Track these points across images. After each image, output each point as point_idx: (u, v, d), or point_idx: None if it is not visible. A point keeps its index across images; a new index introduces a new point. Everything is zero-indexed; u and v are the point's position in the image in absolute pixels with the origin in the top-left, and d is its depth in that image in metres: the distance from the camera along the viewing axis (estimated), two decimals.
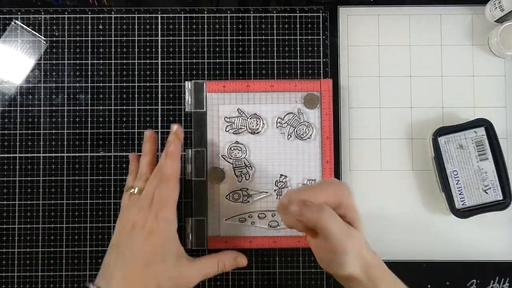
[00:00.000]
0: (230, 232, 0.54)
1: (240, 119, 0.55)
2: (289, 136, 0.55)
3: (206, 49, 0.56)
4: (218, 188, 0.55)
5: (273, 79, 0.56)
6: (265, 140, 0.55)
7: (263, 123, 0.55)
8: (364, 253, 0.43)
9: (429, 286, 0.54)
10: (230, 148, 0.55)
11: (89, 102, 0.56)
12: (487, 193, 0.53)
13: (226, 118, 0.55)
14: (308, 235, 0.45)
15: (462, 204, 0.53)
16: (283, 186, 0.54)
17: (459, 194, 0.53)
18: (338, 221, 0.42)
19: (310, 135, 0.55)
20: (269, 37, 0.56)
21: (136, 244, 0.46)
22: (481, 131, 0.53)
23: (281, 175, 0.55)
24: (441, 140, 0.53)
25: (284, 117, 0.55)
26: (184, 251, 0.49)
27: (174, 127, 0.51)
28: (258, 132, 0.55)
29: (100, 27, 0.56)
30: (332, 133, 0.55)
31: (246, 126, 0.55)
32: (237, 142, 0.55)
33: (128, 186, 0.52)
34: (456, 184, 0.53)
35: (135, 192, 0.50)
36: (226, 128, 0.55)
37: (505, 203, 0.52)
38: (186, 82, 0.55)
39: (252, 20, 0.56)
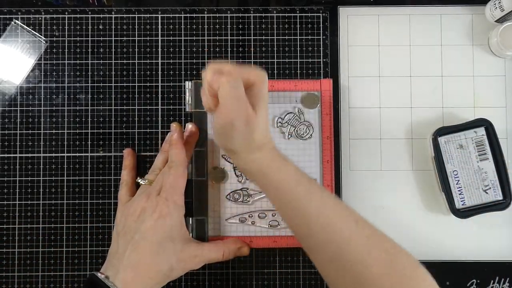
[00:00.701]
0: (230, 232, 0.54)
1: None
2: (289, 136, 0.55)
3: (206, 49, 0.56)
4: (218, 188, 0.55)
5: (274, 79, 0.56)
6: None
7: None
8: (257, 138, 0.44)
9: None
10: None
11: (89, 102, 0.56)
12: (487, 193, 0.53)
13: None
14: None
15: (462, 204, 0.53)
16: None
17: (459, 194, 0.53)
18: (238, 89, 0.42)
19: (310, 134, 0.55)
20: (269, 37, 0.56)
21: (146, 226, 0.47)
22: (481, 131, 0.53)
23: None
24: (441, 140, 0.53)
25: (284, 117, 0.55)
26: (190, 235, 0.51)
27: (189, 125, 0.54)
28: None
29: (100, 27, 0.56)
30: (333, 133, 0.55)
31: None
32: None
33: (123, 180, 0.53)
34: (456, 184, 0.53)
35: (145, 183, 0.51)
36: None
37: (505, 203, 0.52)
38: (187, 82, 0.55)
39: (252, 20, 0.56)
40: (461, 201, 0.53)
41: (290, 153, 0.55)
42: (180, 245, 0.48)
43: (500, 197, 0.53)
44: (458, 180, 0.53)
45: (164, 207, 0.47)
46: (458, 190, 0.53)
